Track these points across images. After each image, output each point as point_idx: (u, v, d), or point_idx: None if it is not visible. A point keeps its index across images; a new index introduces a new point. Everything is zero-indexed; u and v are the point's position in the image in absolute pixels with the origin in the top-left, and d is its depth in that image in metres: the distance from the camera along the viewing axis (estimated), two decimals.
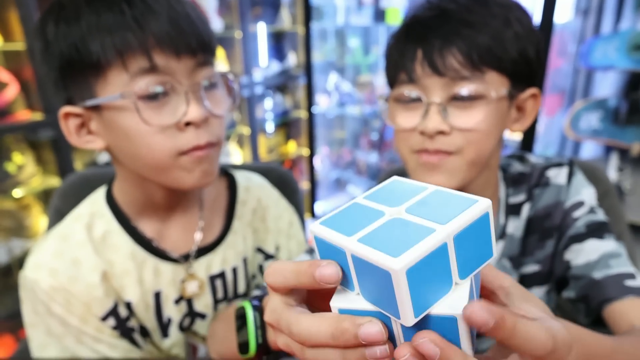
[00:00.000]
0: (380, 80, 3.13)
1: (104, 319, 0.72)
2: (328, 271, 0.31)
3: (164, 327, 0.78)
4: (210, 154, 0.68)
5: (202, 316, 0.81)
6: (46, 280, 0.69)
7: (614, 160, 2.07)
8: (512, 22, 0.66)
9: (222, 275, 0.82)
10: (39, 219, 1.97)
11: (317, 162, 3.37)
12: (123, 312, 0.74)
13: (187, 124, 0.65)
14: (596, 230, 0.74)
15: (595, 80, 2.23)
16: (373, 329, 0.30)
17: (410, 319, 0.29)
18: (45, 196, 2.01)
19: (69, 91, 0.65)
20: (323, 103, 3.29)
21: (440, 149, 0.68)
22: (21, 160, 1.86)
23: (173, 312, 0.78)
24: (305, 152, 3.27)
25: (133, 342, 0.75)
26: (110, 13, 0.60)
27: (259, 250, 0.89)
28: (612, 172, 2.05)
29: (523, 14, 0.68)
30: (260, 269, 0.90)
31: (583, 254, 0.73)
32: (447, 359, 0.28)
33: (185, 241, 0.79)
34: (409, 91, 0.69)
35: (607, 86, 2.15)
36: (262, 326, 0.53)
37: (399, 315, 0.29)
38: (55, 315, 0.70)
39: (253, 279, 0.88)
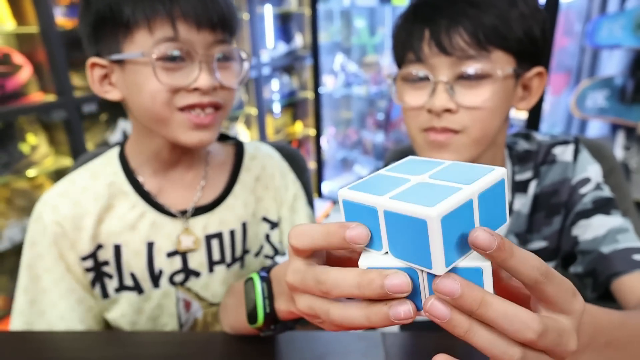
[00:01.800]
0: (386, 61, 3.12)
1: (84, 259, 0.79)
2: (357, 232, 0.33)
3: (155, 278, 0.83)
4: (209, 120, 0.74)
5: (197, 274, 0.85)
6: (48, 215, 0.78)
7: (620, 139, 2.07)
8: (517, 1, 0.67)
9: (219, 236, 0.86)
10: None
11: (324, 142, 3.39)
12: (102, 256, 0.81)
13: (196, 89, 0.71)
14: (603, 206, 0.76)
15: (602, 59, 2.22)
16: (399, 278, 0.32)
17: (441, 268, 0.31)
18: (57, 176, 2.04)
19: (99, 45, 0.73)
20: (329, 83, 3.29)
21: (447, 127, 0.70)
22: (35, 141, 1.90)
23: (165, 264, 0.83)
24: (312, 132, 3.29)
25: (103, 288, 0.82)
26: None
27: (265, 219, 0.92)
28: (619, 150, 2.05)
29: None
30: (267, 238, 0.92)
31: (590, 229, 0.75)
32: (468, 296, 0.30)
33: (186, 198, 0.85)
34: (416, 70, 0.71)
35: (613, 65, 2.14)
36: (269, 296, 0.54)
37: (431, 264, 0.31)
38: (41, 252, 0.78)
39: (261, 248, 0.92)
